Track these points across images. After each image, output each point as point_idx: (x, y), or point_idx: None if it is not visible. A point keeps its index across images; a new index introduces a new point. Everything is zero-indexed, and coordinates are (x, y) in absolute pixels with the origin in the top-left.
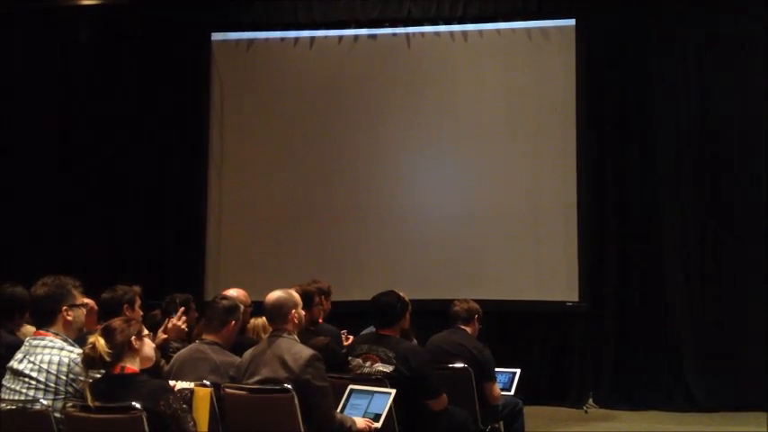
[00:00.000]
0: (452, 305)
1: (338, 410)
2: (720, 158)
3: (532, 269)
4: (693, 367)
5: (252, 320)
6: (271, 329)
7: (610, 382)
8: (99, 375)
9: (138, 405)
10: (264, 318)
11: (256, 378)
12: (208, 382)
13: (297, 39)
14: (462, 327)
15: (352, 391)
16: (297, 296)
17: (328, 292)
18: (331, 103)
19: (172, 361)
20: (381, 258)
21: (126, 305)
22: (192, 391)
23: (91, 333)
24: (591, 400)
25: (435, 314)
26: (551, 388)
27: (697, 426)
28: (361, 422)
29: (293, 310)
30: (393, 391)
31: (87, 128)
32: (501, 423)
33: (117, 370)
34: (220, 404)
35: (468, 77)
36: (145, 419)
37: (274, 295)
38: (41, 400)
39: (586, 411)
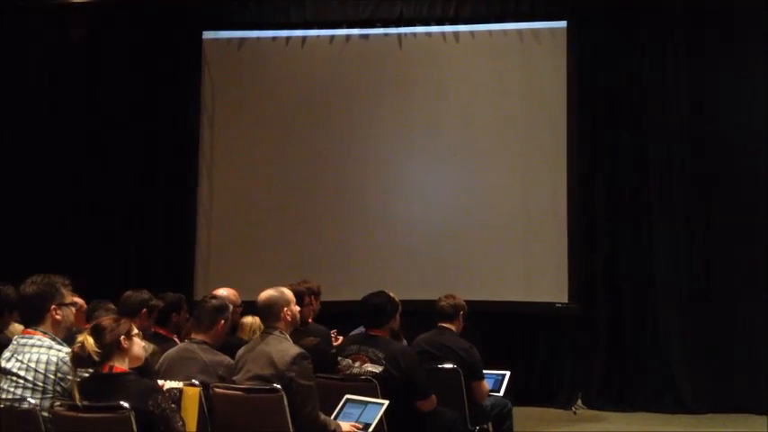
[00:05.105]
0: (438, 300)
1: (331, 418)
2: (712, 160)
3: (522, 270)
4: (683, 368)
5: (250, 319)
6: (263, 328)
7: (599, 383)
8: (87, 374)
9: (126, 404)
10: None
11: (243, 372)
12: (197, 382)
13: (288, 38)
14: (447, 325)
15: (347, 400)
16: (289, 294)
17: (318, 291)
18: (322, 103)
19: (161, 360)
20: (371, 259)
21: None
22: (180, 390)
23: (80, 332)
24: (580, 401)
25: (425, 315)
26: (540, 389)
27: (686, 427)
28: (346, 426)
29: (285, 308)
30: (386, 403)
31: (78, 126)
32: (490, 424)
33: (106, 369)
34: (209, 404)
35: (459, 78)
36: (133, 419)
37: (266, 294)
38: (29, 399)
39: (575, 412)
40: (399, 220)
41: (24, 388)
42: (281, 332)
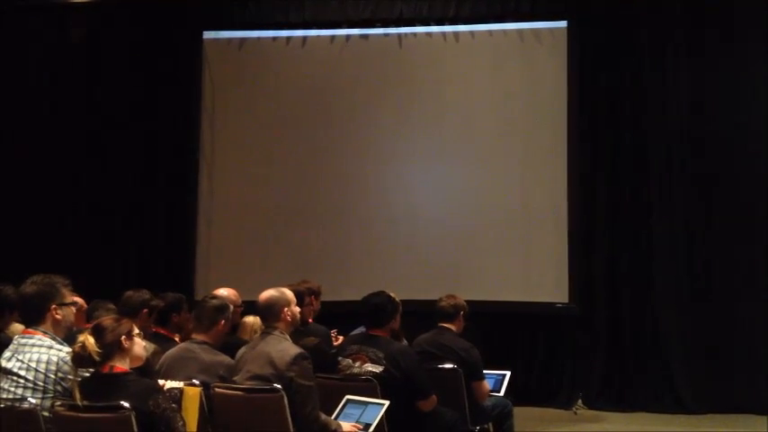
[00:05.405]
0: (438, 300)
1: (332, 418)
2: (712, 160)
3: (522, 270)
4: (682, 369)
5: (251, 319)
6: (263, 328)
7: (599, 383)
8: (88, 374)
9: (126, 404)
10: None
11: (243, 373)
12: (197, 382)
13: (289, 38)
14: (447, 325)
15: (348, 401)
16: (290, 294)
17: (318, 291)
18: (322, 103)
19: (161, 360)
20: (372, 259)
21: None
22: (181, 390)
23: (80, 332)
24: (580, 402)
25: (425, 315)
26: (541, 389)
27: (686, 427)
28: (347, 426)
29: (285, 308)
30: (386, 403)
31: (78, 126)
32: (490, 424)
33: (106, 369)
34: (210, 404)
35: (459, 78)
36: (134, 419)
37: (267, 294)
38: (30, 399)
39: (576, 412)
40: (400, 220)
41: (25, 388)
42: (281, 332)
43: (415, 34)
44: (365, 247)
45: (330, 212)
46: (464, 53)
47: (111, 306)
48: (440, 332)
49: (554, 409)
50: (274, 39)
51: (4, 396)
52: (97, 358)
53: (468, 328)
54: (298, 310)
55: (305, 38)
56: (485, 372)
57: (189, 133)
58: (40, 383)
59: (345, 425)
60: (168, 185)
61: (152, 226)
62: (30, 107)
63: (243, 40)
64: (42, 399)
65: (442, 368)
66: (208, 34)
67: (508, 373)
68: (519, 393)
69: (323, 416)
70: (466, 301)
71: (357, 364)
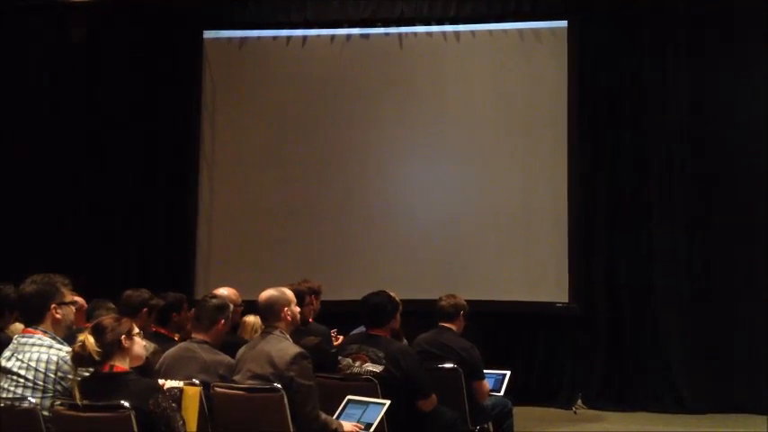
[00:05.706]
0: (439, 300)
1: (333, 418)
2: (712, 160)
3: (522, 270)
4: (682, 369)
5: (252, 318)
6: (264, 327)
7: (599, 383)
8: (88, 374)
9: (126, 404)
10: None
11: (243, 372)
12: (197, 381)
13: (289, 38)
14: (447, 325)
15: (349, 401)
16: (290, 294)
17: (319, 291)
18: (323, 103)
19: (161, 359)
20: (372, 259)
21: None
22: (181, 389)
23: (80, 331)
24: (580, 401)
25: (425, 315)
26: (541, 389)
27: (686, 427)
28: (348, 426)
29: (285, 308)
30: (387, 403)
31: (78, 126)
32: (490, 423)
33: (106, 368)
34: (209, 403)
35: (460, 78)
36: (133, 418)
37: (267, 294)
38: (29, 398)
39: (575, 412)
40: (400, 220)
41: (25, 387)
42: (281, 332)
43: (415, 34)
44: (365, 247)
45: (330, 212)
46: (465, 53)
47: (111, 305)
48: (440, 332)
49: (554, 408)
50: (275, 38)
51: (4, 395)
52: (97, 358)
53: (468, 327)
54: (298, 309)
55: (305, 37)
56: (485, 371)
57: (189, 133)
58: (40, 383)
59: (346, 424)
60: (168, 185)
61: (152, 226)
62: (30, 107)
63: (243, 39)
64: (42, 398)
65: (443, 368)
66: (208, 34)
67: (508, 373)
68: (519, 393)
69: (323, 415)
70: (466, 300)
71: (357, 363)
